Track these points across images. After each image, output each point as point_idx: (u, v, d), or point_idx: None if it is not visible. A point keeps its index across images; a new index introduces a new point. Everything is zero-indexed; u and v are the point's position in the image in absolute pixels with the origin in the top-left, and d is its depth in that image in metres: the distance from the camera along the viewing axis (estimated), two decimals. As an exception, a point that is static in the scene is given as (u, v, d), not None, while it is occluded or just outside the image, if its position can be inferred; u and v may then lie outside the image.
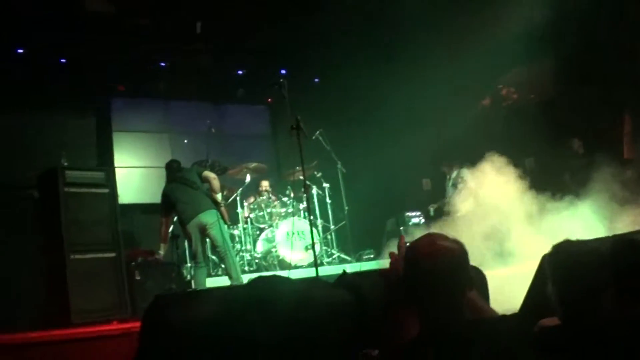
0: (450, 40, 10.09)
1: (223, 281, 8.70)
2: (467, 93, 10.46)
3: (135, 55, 10.85)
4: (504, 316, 2.54)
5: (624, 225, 7.01)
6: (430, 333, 2.34)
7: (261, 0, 9.94)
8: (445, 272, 2.34)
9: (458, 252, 2.42)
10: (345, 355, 2.33)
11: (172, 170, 8.70)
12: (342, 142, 10.98)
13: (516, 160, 8.74)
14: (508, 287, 4.07)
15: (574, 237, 2.80)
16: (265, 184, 10.47)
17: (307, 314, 1.82)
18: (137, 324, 2.31)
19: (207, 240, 8.54)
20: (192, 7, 9.85)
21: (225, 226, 8.40)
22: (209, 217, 8.17)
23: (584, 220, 7.54)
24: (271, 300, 1.80)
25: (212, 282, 8.77)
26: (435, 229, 9.81)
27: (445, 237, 2.45)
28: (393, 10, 9.76)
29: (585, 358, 2.38)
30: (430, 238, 2.46)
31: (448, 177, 10.35)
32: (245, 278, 8.75)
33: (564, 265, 2.66)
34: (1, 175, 9.41)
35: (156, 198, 11.11)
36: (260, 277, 1.94)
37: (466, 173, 9.75)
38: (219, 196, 8.43)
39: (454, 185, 10.08)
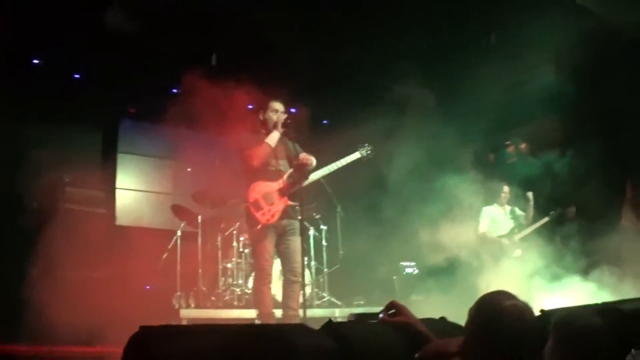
0: (455, 98, 10.16)
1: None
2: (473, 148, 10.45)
3: (149, 79, 10.87)
4: None
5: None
6: None
7: (273, 39, 10.01)
8: (528, 331, 2.28)
9: (532, 312, 2.35)
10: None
11: None
12: (344, 185, 10.86)
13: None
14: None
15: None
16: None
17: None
18: (118, 350, 2.27)
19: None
20: (211, 37, 9.97)
21: None
22: None
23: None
24: (256, 351, 1.80)
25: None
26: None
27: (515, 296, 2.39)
28: (398, 60, 9.83)
29: None
30: (507, 295, 2.37)
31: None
32: (236, 313, 8.83)
33: (569, 335, 2.69)
34: (5, 183, 9.39)
35: (154, 222, 11.14)
36: (256, 325, 1.96)
37: None
38: None
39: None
